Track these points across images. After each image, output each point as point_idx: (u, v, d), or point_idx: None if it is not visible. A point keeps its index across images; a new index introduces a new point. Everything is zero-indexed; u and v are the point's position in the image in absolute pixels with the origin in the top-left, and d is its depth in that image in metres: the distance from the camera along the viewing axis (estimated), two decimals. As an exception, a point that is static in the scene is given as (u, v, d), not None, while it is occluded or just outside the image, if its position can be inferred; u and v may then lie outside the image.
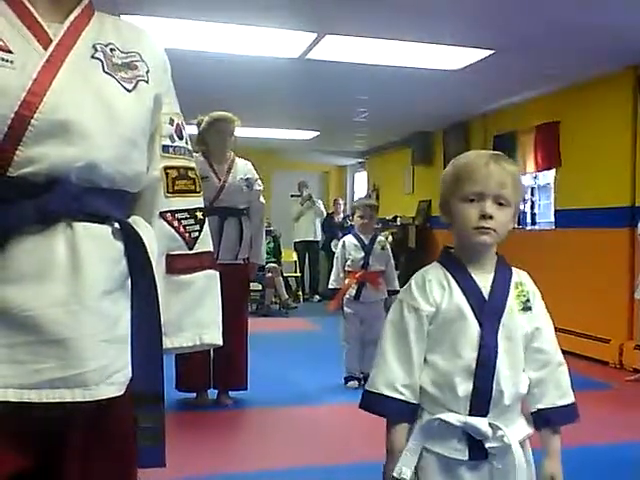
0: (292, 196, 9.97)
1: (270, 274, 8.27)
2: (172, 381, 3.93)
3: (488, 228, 1.36)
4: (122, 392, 1.03)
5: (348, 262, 4.54)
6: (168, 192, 1.18)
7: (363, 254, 4.51)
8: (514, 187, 1.39)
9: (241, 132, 4.46)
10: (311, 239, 9.90)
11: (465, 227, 1.38)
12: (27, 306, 0.96)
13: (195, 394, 4.05)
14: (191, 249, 1.20)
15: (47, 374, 0.97)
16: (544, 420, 1.43)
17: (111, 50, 1.10)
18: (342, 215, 10.22)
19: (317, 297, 9.79)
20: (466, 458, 1.35)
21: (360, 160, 10.97)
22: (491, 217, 1.35)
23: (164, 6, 3.96)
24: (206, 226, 1.24)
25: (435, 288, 1.40)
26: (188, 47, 4.71)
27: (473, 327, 1.36)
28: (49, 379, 0.97)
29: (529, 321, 1.41)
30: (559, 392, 1.44)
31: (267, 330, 6.65)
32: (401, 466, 1.35)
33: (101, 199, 1.04)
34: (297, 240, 9.90)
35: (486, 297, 1.38)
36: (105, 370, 1.01)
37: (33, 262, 0.98)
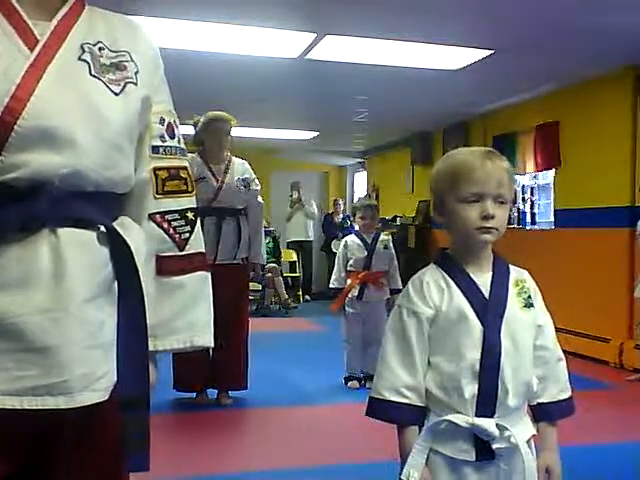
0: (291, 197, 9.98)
1: (270, 274, 8.27)
2: (171, 381, 3.93)
3: (490, 228, 1.36)
4: (106, 397, 1.03)
5: (350, 262, 4.53)
6: (157, 193, 1.16)
7: (366, 253, 4.50)
8: (510, 184, 1.39)
9: (240, 132, 4.47)
10: (303, 239, 9.90)
11: (466, 228, 1.37)
12: (10, 313, 0.95)
13: (194, 394, 4.05)
14: (182, 250, 1.18)
15: (30, 381, 0.96)
16: (544, 413, 1.44)
17: (100, 49, 1.08)
18: (342, 215, 10.23)
19: (307, 297, 9.72)
20: (473, 459, 1.35)
21: (360, 160, 10.96)
22: (492, 217, 1.35)
23: (164, 6, 3.95)
24: (197, 227, 1.22)
25: (434, 291, 1.39)
26: (187, 47, 4.71)
27: (476, 328, 1.35)
28: (32, 386, 0.96)
29: (532, 318, 1.41)
30: (559, 387, 1.45)
31: (267, 330, 6.65)
32: (409, 469, 1.34)
33: (87, 203, 1.03)
34: (289, 240, 9.91)
35: (486, 296, 1.38)
36: (89, 377, 1.00)
37: (16, 269, 0.97)
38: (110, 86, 1.06)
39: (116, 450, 1.06)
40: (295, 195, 9.83)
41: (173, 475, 2.59)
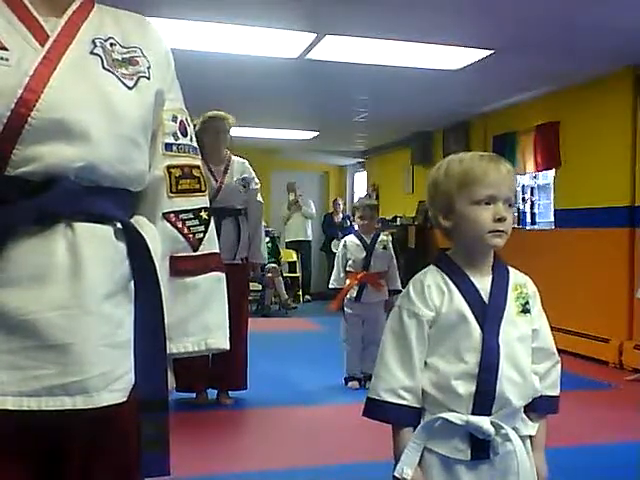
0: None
1: (270, 274, 8.27)
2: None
3: (502, 231, 1.37)
4: (125, 398, 1.01)
5: (349, 262, 4.53)
6: (171, 192, 1.14)
7: (365, 254, 4.50)
8: (515, 187, 1.43)
9: (240, 132, 4.46)
10: (302, 239, 9.90)
11: (479, 231, 1.37)
12: (26, 310, 0.94)
13: (195, 394, 4.05)
14: (196, 250, 1.16)
15: (46, 381, 0.94)
16: (530, 406, 1.45)
17: (111, 45, 1.07)
18: (342, 215, 10.22)
19: (307, 297, 9.72)
20: (468, 459, 1.35)
21: (360, 160, 10.96)
22: (505, 219, 1.37)
23: (164, 6, 3.95)
24: (211, 227, 1.20)
25: (434, 293, 1.40)
26: (188, 47, 4.71)
27: (475, 331, 1.36)
28: (48, 386, 0.94)
29: (528, 323, 1.43)
30: (548, 383, 1.47)
31: (267, 330, 6.65)
32: (402, 466, 1.35)
33: (102, 198, 1.01)
34: (288, 240, 9.92)
35: (486, 300, 1.39)
36: (107, 376, 0.98)
37: (32, 264, 0.95)
38: (123, 80, 1.05)
39: (134, 453, 1.05)
40: (292, 197, 9.83)
41: (173, 475, 2.59)
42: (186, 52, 4.75)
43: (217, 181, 3.92)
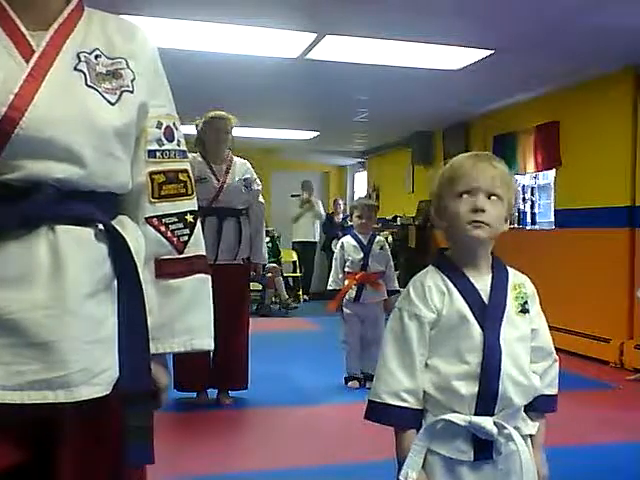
0: (292, 196, 9.96)
1: (270, 274, 8.26)
2: (172, 381, 3.93)
3: (481, 222, 1.36)
4: (107, 392, 1.04)
5: (347, 263, 4.53)
6: (153, 197, 1.16)
7: (362, 255, 4.50)
8: (504, 182, 1.40)
9: (241, 132, 4.46)
10: (309, 240, 9.89)
11: (459, 222, 1.38)
12: (9, 309, 0.97)
13: (195, 394, 4.05)
14: (181, 253, 1.18)
15: (30, 376, 0.98)
16: (529, 406, 1.45)
17: (96, 57, 1.08)
18: (342, 215, 10.22)
19: (305, 297, 9.71)
20: (471, 459, 1.36)
21: (360, 160, 10.96)
22: (483, 210, 1.36)
23: (163, 6, 3.95)
24: (197, 229, 1.22)
25: (435, 294, 1.40)
26: (188, 47, 4.71)
27: (476, 331, 1.36)
28: (31, 380, 0.98)
29: (527, 323, 1.43)
30: (546, 382, 1.47)
31: (267, 330, 6.64)
32: (407, 469, 1.35)
33: (84, 202, 1.04)
34: (295, 240, 9.90)
35: (485, 300, 1.39)
36: (89, 371, 1.02)
37: (15, 265, 0.98)
38: (106, 96, 1.07)
39: (119, 444, 1.08)
40: (306, 195, 9.81)
41: (173, 475, 2.59)
42: (186, 52, 4.76)
43: (219, 181, 3.92)
